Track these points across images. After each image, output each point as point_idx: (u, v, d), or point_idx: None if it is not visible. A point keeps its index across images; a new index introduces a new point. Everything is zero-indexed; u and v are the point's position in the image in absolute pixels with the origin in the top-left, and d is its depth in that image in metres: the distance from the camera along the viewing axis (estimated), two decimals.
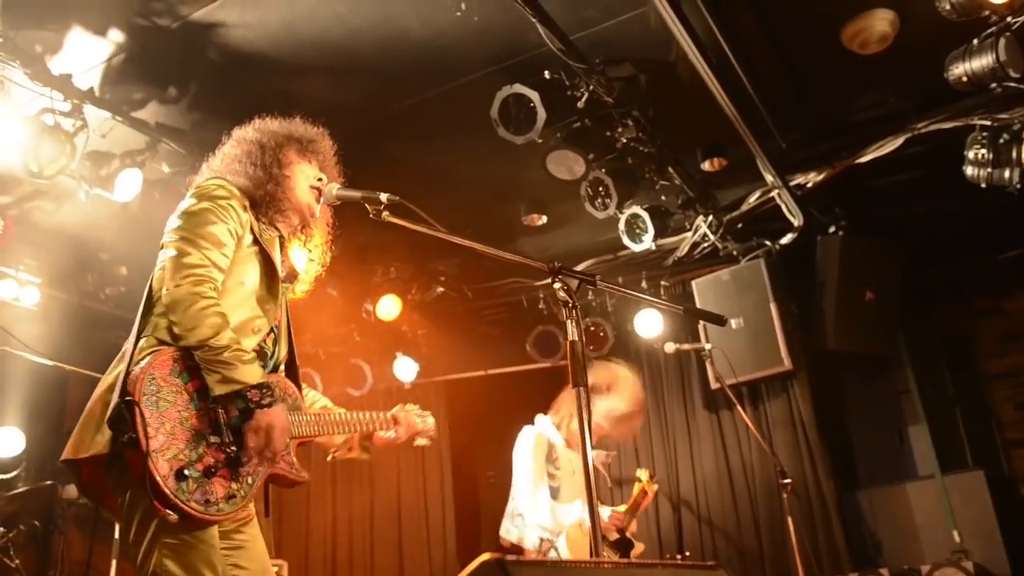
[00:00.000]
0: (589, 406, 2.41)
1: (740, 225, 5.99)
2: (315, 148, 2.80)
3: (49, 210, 5.26)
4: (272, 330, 2.59)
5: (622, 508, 4.84)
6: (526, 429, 4.71)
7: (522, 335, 7.08)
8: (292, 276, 2.78)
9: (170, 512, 2.11)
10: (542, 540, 4.44)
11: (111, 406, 2.17)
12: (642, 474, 5.14)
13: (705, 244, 6.12)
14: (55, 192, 5.06)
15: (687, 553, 6.39)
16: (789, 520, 4.71)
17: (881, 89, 4.84)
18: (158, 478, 2.09)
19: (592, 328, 6.96)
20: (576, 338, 2.39)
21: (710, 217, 5.80)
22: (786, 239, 6.00)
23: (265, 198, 2.63)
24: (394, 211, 2.61)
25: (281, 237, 2.73)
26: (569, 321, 2.40)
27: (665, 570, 1.40)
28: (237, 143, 2.74)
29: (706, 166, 5.26)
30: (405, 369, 7.19)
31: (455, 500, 7.43)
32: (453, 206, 5.29)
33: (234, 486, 2.25)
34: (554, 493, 4.53)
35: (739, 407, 5.15)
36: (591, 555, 3.94)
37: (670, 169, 5.17)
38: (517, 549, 4.57)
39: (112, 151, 4.67)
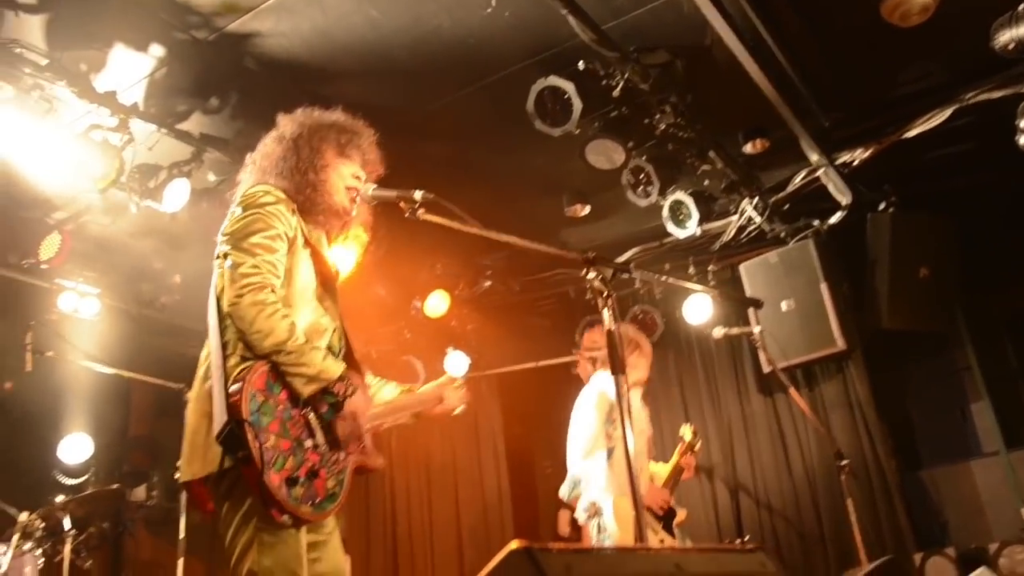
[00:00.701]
0: (628, 394, 2.44)
1: (786, 206, 5.91)
2: (354, 143, 2.81)
3: (103, 223, 5.41)
4: (336, 327, 2.67)
5: (666, 467, 5.03)
6: (589, 387, 4.76)
7: (572, 325, 7.00)
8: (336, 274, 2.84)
9: (286, 517, 2.24)
10: (591, 504, 4.53)
11: (220, 427, 2.23)
12: (686, 431, 5.25)
13: (751, 227, 6.05)
14: (107, 205, 5.20)
15: (747, 537, 6.36)
16: (849, 502, 4.67)
17: (925, 61, 4.73)
18: (273, 490, 2.20)
19: (641, 315, 6.96)
20: (613, 327, 2.42)
21: (755, 199, 5.73)
22: (835, 218, 5.92)
23: (306, 202, 2.68)
24: (430, 209, 2.64)
25: (327, 235, 2.79)
26: (605, 310, 2.44)
27: (704, 555, 1.41)
28: (277, 142, 2.77)
29: (748, 148, 5.19)
30: (456, 363, 7.21)
31: (512, 492, 7.47)
32: (495, 201, 5.29)
33: (331, 484, 2.38)
34: (609, 454, 4.60)
35: (792, 390, 5.10)
36: (635, 538, 3.97)
37: (711, 153, 5.14)
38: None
39: (159, 163, 4.78)
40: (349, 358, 2.73)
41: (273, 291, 2.41)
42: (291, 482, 2.25)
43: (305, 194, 2.67)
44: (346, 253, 2.97)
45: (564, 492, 4.76)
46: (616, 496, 4.48)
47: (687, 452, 5.14)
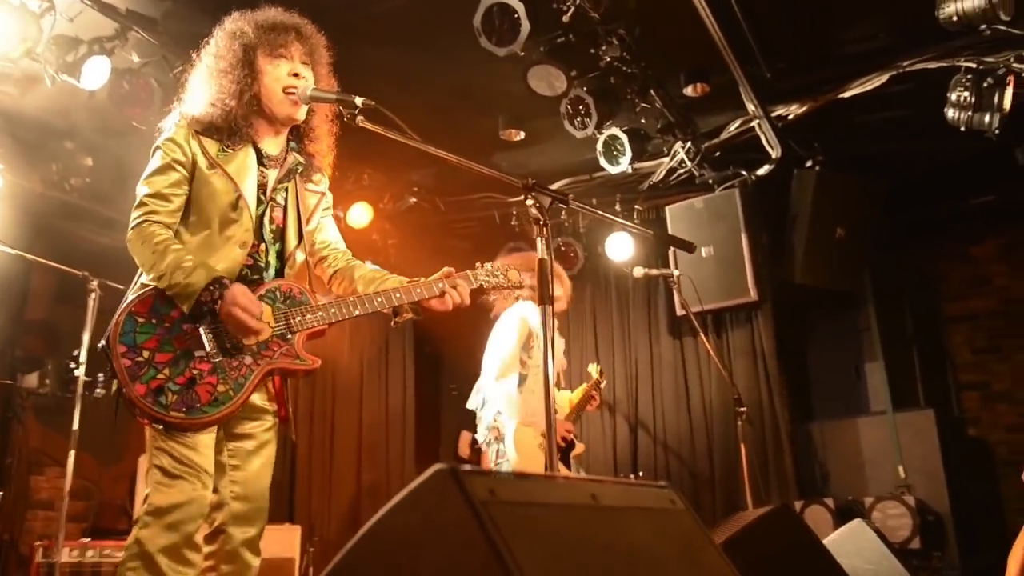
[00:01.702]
0: (554, 324, 2.44)
1: (717, 153, 5.98)
2: (285, 42, 2.72)
3: (13, 94, 5.08)
4: (262, 240, 2.70)
5: (571, 397, 5.13)
6: (509, 311, 4.79)
7: (493, 251, 6.90)
8: (290, 174, 2.78)
9: (157, 425, 2.44)
10: (494, 427, 4.61)
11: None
12: (593, 369, 5.34)
13: (682, 170, 6.11)
14: (19, 76, 4.88)
15: (640, 473, 6.56)
16: (742, 447, 4.83)
17: (872, 23, 4.78)
18: (134, 398, 2.40)
19: (563, 248, 7.01)
20: (545, 256, 2.40)
21: (688, 143, 5.77)
22: (762, 170, 6.00)
23: (226, 118, 2.64)
24: (369, 116, 2.58)
25: (256, 147, 2.71)
26: (539, 239, 2.41)
27: (617, 487, 1.43)
28: (206, 54, 2.74)
29: (689, 91, 5.21)
30: None
31: (416, 411, 7.53)
32: (431, 115, 5.22)
33: (220, 388, 2.49)
34: (521, 380, 4.66)
35: (702, 334, 5.21)
36: (545, 468, 4.04)
37: (652, 92, 5.12)
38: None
39: (80, 36, 4.51)
40: (302, 274, 2.80)
41: (157, 223, 2.56)
42: (158, 391, 2.41)
43: (229, 108, 2.64)
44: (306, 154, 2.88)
45: (472, 403, 4.84)
46: (519, 424, 4.54)
47: (593, 389, 5.24)
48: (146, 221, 2.56)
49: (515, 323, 4.71)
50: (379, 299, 2.73)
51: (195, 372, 2.47)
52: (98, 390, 5.38)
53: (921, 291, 7.07)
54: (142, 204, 2.59)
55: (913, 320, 6.98)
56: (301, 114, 2.75)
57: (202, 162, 2.62)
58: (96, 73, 4.56)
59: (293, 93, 2.69)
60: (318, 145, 2.88)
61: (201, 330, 2.50)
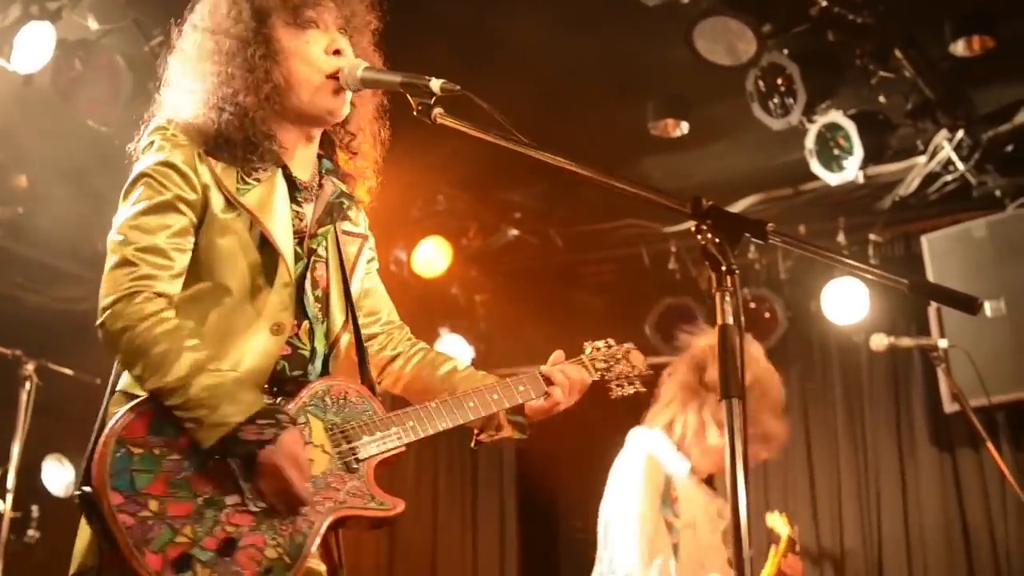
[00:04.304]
0: (745, 427, 2.32)
1: (1010, 148, 5.84)
2: (314, 2, 2.71)
3: None
4: (305, 317, 2.71)
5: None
6: (630, 447, 4.70)
7: (640, 310, 7.08)
8: (329, 212, 2.80)
9: None
10: None
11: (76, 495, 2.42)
12: (777, 522, 5.25)
13: (949, 176, 6.00)
14: None
15: None
16: None
17: None
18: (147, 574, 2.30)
19: (753, 305, 6.97)
20: (731, 321, 2.29)
21: (960, 133, 5.65)
22: None
23: (244, 129, 2.63)
24: (450, 109, 2.53)
25: (286, 171, 2.72)
26: (719, 293, 2.30)
27: None
28: (195, 29, 2.73)
29: (959, 48, 5.09)
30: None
31: (519, 559, 7.58)
32: (535, 101, 5.19)
33: (271, 553, 2.44)
34: (675, 552, 4.54)
35: (989, 443, 5.03)
36: None
37: (898, 53, 5.07)
38: None
39: None
40: (351, 366, 2.82)
41: (158, 297, 2.51)
42: (182, 564, 2.32)
43: (252, 125, 2.63)
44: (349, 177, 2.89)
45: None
46: None
47: (787, 553, 5.11)
48: (138, 293, 2.50)
49: (639, 466, 4.61)
50: (471, 402, 2.74)
51: (230, 530, 2.42)
52: (29, 532, 5.49)
53: None
54: (127, 263, 2.53)
55: None
56: (345, 109, 2.74)
57: (216, 201, 2.62)
58: (34, 48, 4.69)
59: (337, 78, 2.69)
60: (361, 162, 2.89)
61: (232, 463, 2.46)
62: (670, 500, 4.56)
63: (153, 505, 2.35)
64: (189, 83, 2.68)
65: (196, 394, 2.40)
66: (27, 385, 4.96)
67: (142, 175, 2.58)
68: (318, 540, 2.51)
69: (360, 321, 2.86)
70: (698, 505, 4.62)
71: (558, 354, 2.88)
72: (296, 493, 2.44)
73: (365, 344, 2.88)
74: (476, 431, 2.82)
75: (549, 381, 2.85)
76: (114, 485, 2.34)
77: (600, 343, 3.02)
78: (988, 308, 5.82)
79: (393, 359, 2.96)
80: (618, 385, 3.01)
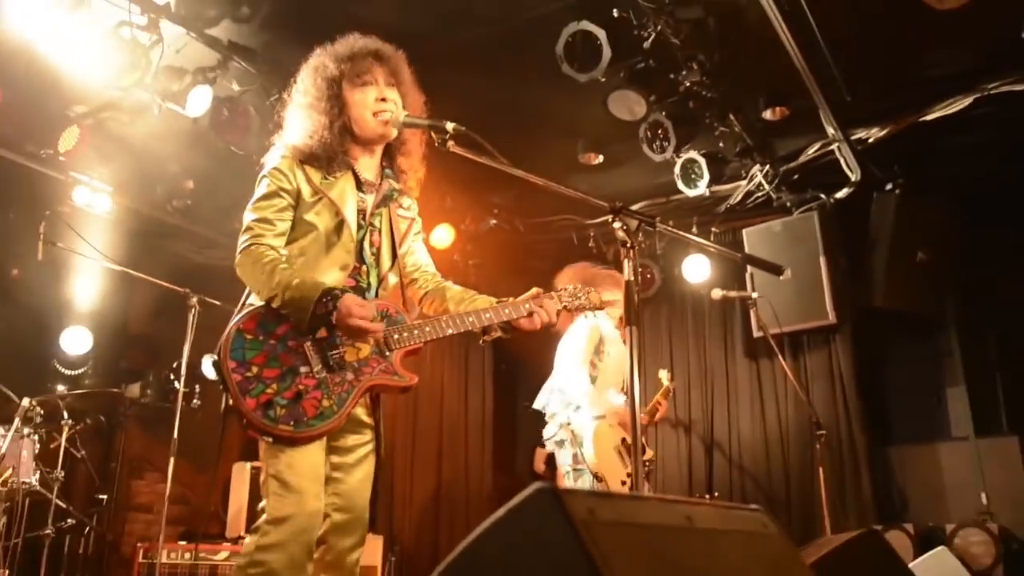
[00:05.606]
0: (640, 345, 2.39)
1: (796, 176, 5.87)
2: (367, 68, 2.76)
3: (123, 121, 5.29)
4: (363, 262, 2.74)
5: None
6: (580, 320, 4.81)
7: None
8: (386, 200, 2.83)
9: (266, 437, 2.47)
10: (569, 428, 4.64)
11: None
12: (663, 376, 5.41)
13: (759, 193, 6.03)
14: (129, 104, 5.09)
15: (716, 494, 6.44)
16: (820, 470, 4.71)
17: (955, 46, 4.63)
18: (245, 412, 2.44)
19: (640, 270, 6.86)
20: (631, 278, 2.37)
21: (766, 167, 5.70)
22: (841, 193, 5.89)
23: (325, 148, 2.70)
24: (459, 141, 2.61)
25: (354, 172, 2.76)
26: (626, 261, 2.38)
27: (711, 510, 1.40)
28: (296, 91, 2.81)
29: (768, 115, 5.13)
30: None
31: (494, 425, 7.64)
32: (512, 139, 5.12)
33: (325, 403, 2.52)
34: (591, 380, 4.69)
35: (780, 357, 5.12)
36: (630, 483, 3.98)
37: (731, 116, 5.09)
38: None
39: (185, 67, 4.68)
40: (396, 294, 2.85)
41: (264, 246, 2.60)
42: (267, 405, 2.44)
43: (323, 139, 2.70)
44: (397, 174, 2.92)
45: (539, 403, 4.87)
46: (600, 423, 4.55)
47: (664, 397, 5.24)
48: (253, 244, 2.60)
49: (586, 330, 4.75)
50: (471, 318, 2.74)
51: (301, 387, 2.50)
52: (195, 401, 5.53)
53: (1005, 315, 6.77)
54: (249, 229, 2.63)
55: (997, 345, 6.68)
56: (393, 132, 2.79)
57: (306, 190, 2.68)
58: (199, 101, 4.71)
59: (381, 113, 2.74)
60: (410, 160, 2.91)
61: (307, 346, 2.54)
62: (599, 350, 4.79)
63: (254, 370, 2.48)
64: (294, 122, 2.74)
65: (290, 296, 2.49)
66: (192, 311, 4.96)
67: (263, 177, 2.71)
68: (358, 396, 2.58)
69: (405, 269, 2.89)
70: (621, 357, 4.75)
71: (536, 290, 2.85)
72: (365, 328, 2.51)
73: (406, 283, 2.89)
74: (481, 332, 2.80)
75: (531, 313, 2.80)
76: (231, 356, 2.48)
77: (569, 286, 2.97)
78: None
79: (427, 292, 2.95)
80: (578, 310, 2.97)
